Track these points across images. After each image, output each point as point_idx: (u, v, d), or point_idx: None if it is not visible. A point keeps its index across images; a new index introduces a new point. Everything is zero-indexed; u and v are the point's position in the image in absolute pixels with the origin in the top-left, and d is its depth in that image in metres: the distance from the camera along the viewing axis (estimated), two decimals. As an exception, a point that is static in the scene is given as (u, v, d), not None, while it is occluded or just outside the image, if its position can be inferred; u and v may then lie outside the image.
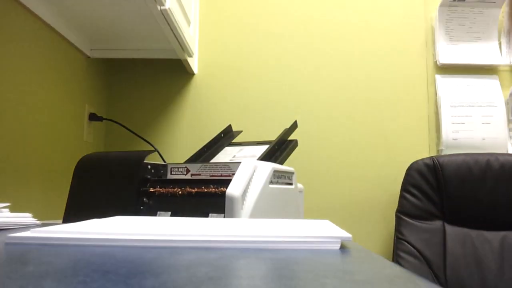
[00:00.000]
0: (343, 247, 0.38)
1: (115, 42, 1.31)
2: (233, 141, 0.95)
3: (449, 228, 1.14)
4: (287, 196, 0.76)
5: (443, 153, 1.34)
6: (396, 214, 1.23)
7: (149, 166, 0.74)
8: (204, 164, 0.75)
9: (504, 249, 1.12)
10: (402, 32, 1.44)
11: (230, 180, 0.64)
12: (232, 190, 0.62)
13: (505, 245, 1.13)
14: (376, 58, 1.42)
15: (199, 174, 0.74)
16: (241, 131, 0.99)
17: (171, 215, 0.67)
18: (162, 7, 0.99)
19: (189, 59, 1.34)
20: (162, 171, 0.76)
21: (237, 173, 0.66)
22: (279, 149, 0.85)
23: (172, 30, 1.10)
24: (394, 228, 1.23)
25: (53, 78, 1.12)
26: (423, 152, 1.37)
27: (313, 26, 1.44)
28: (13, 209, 0.61)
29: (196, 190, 0.67)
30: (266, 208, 0.66)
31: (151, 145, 1.19)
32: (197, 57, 1.43)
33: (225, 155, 0.88)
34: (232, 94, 1.42)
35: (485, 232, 1.15)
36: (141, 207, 0.69)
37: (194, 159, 0.84)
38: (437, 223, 1.15)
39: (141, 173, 0.72)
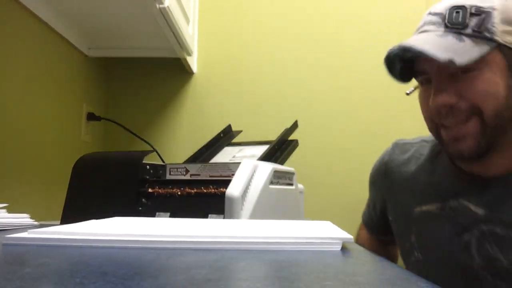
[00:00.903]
0: (344, 248, 0.38)
1: (113, 41, 1.31)
2: (233, 141, 0.94)
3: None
4: (288, 197, 0.76)
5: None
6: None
7: (147, 167, 0.73)
8: (204, 164, 0.75)
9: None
10: (405, 31, 1.43)
11: (230, 180, 0.64)
12: (232, 190, 0.62)
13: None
14: (380, 56, 1.41)
15: (199, 175, 0.74)
16: (241, 131, 0.98)
17: (170, 216, 0.67)
18: (161, 6, 0.99)
19: (188, 58, 1.34)
20: (161, 172, 0.76)
21: (237, 173, 0.65)
22: (280, 149, 0.84)
23: (171, 29, 1.10)
24: (394, 228, 1.23)
25: (50, 77, 1.11)
26: (423, 152, 1.37)
27: (314, 25, 1.43)
28: (10, 209, 0.60)
29: (195, 190, 0.67)
30: (266, 209, 0.66)
31: (150, 145, 1.18)
32: (196, 56, 1.43)
33: (224, 155, 0.87)
34: (232, 93, 1.42)
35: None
36: (140, 208, 0.69)
37: (193, 159, 0.84)
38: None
39: (139, 174, 0.71)
